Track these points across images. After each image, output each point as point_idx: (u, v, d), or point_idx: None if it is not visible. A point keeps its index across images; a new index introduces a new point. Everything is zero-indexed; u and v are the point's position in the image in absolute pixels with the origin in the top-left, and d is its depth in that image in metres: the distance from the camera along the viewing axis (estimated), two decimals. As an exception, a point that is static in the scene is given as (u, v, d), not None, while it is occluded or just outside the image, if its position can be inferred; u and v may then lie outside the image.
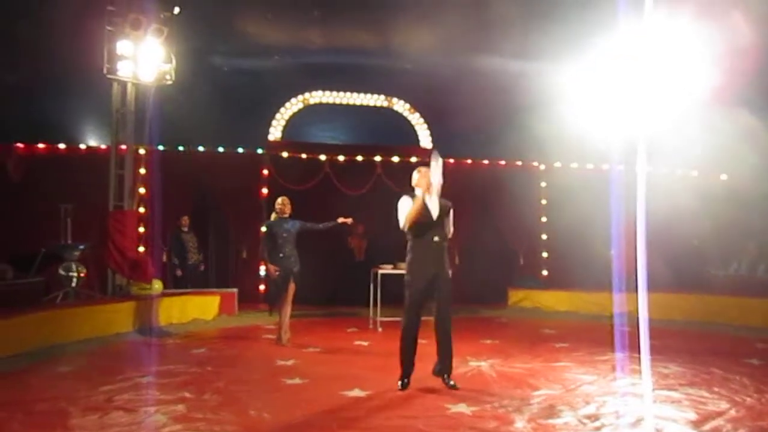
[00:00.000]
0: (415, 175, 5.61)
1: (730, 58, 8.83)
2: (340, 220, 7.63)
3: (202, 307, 9.50)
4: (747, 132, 9.91)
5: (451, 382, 5.34)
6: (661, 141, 9.52)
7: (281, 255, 7.33)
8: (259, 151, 11.98)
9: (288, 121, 12.22)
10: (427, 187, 5.44)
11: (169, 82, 9.48)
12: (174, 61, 9.44)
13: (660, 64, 8.74)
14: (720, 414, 4.57)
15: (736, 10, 8.22)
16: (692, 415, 4.53)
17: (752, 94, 9.14)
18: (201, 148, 11.72)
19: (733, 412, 4.62)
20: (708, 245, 11.51)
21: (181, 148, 11.58)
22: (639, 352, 6.21)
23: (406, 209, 5.50)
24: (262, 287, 11.31)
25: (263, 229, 7.69)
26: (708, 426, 4.27)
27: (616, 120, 9.79)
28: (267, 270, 7.60)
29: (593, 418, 4.45)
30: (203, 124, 11.20)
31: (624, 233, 10.22)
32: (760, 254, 11.03)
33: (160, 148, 10.91)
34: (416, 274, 5.54)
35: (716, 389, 5.35)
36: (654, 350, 6.40)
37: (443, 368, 5.46)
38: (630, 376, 5.86)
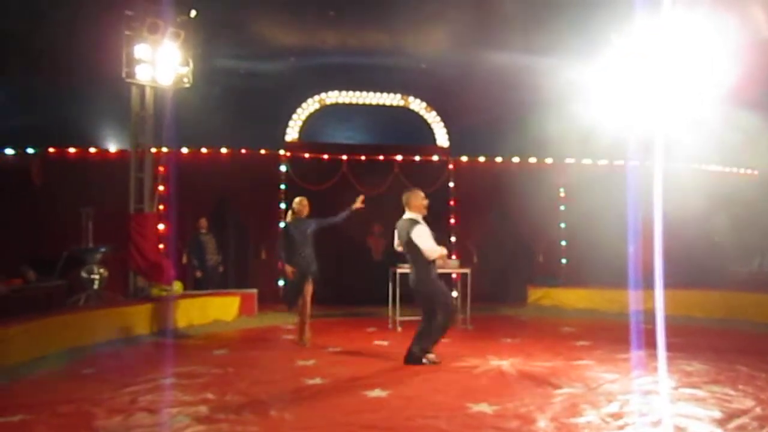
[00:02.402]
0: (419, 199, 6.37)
1: (750, 53, 8.71)
2: (355, 206, 7.72)
3: (222, 309, 9.56)
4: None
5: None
6: (679, 136, 9.46)
7: (299, 256, 7.35)
8: (277, 152, 12.03)
9: (305, 122, 12.28)
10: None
11: (187, 85, 9.56)
12: (191, 64, 9.52)
13: (678, 59, 8.65)
14: (745, 412, 4.51)
15: (754, 4, 8.10)
16: (717, 414, 4.48)
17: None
18: (219, 150, 11.80)
19: (758, 410, 4.56)
20: (728, 242, 11.37)
21: (201, 150, 11.67)
22: (663, 350, 6.20)
23: (432, 243, 6.24)
24: (281, 287, 11.38)
25: (283, 229, 7.68)
26: (733, 424, 4.22)
27: (633, 116, 9.73)
28: (285, 271, 7.59)
29: (616, 416, 4.42)
30: (221, 126, 11.29)
31: (642, 230, 10.18)
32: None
33: (179, 150, 11.00)
34: None
35: (741, 387, 5.28)
36: (676, 348, 6.41)
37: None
38: (652, 374, 5.81)
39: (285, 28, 11.30)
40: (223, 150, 11.80)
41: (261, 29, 11.22)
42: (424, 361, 6.26)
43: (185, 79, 9.50)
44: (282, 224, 7.76)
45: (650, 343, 6.92)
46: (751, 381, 5.49)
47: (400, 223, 6.45)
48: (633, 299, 9.27)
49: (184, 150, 11.48)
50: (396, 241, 6.59)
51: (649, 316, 8.17)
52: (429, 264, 6.26)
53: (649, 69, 8.87)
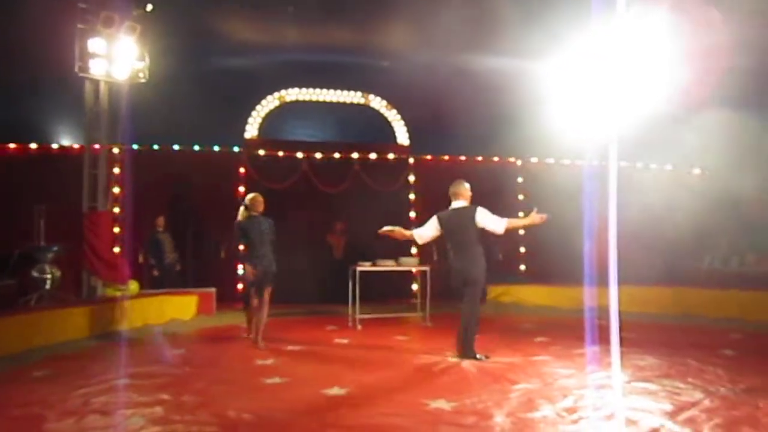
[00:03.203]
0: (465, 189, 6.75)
1: (704, 55, 8.96)
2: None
3: (179, 308, 9.43)
4: (720, 128, 10.08)
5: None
6: (636, 137, 9.67)
7: (256, 256, 7.21)
8: (236, 149, 11.91)
9: (264, 119, 12.18)
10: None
11: (143, 81, 9.38)
12: (148, 59, 9.34)
13: (634, 61, 8.84)
14: (694, 404, 4.64)
15: (708, 8, 8.34)
16: (668, 406, 4.59)
17: (726, 90, 9.27)
18: (177, 147, 11.61)
19: (707, 403, 4.69)
20: (683, 239, 11.69)
21: (156, 147, 11.46)
22: (617, 345, 6.33)
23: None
24: (240, 286, 11.26)
25: (239, 226, 7.35)
26: (682, 416, 4.33)
27: (592, 116, 9.91)
28: (246, 270, 7.40)
29: (571, 411, 4.49)
30: (179, 122, 11.13)
31: (598, 228, 10.38)
32: (732, 248, 11.23)
33: (135, 147, 10.78)
34: None
35: (691, 380, 5.43)
36: (631, 343, 6.54)
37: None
38: (606, 368, 5.93)
39: (244, 24, 11.17)
40: (181, 147, 11.61)
41: (220, 24, 11.08)
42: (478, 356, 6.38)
43: (141, 75, 9.32)
44: (237, 222, 7.39)
45: (605, 339, 7.08)
46: (700, 374, 5.65)
47: (450, 214, 6.68)
48: (588, 296, 9.45)
49: (141, 147, 11.25)
50: (425, 236, 6.79)
51: (605, 312, 8.39)
52: (482, 252, 6.54)
53: (604, 69, 9.04)
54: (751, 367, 5.91)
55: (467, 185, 6.76)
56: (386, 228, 6.82)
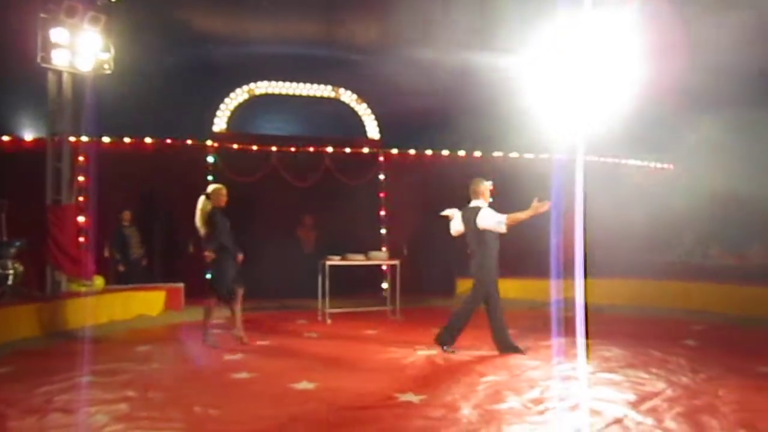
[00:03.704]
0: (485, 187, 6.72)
1: (673, 51, 9.13)
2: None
3: (146, 303, 9.30)
4: (688, 123, 10.28)
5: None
6: (607, 132, 9.80)
7: (233, 247, 7.08)
8: (205, 142, 11.76)
9: (233, 112, 12.05)
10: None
11: (108, 72, 9.20)
12: (113, 50, 9.16)
13: (604, 56, 8.95)
14: (657, 394, 4.74)
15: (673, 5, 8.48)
16: (631, 396, 4.69)
17: (696, 87, 9.44)
18: (143, 140, 11.43)
19: (669, 392, 4.80)
20: (649, 233, 11.90)
21: (122, 140, 11.27)
22: (582, 337, 6.44)
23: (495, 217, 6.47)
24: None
25: (221, 215, 7.02)
26: (645, 406, 4.42)
27: (563, 111, 10.01)
28: (239, 259, 7.05)
29: (537, 402, 4.56)
30: (146, 115, 10.95)
31: (564, 222, 10.51)
32: (696, 241, 11.47)
33: (101, 139, 10.59)
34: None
35: (654, 370, 5.55)
36: (597, 334, 6.64)
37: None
38: (572, 360, 6.02)
39: (213, 15, 11.03)
40: (148, 140, 11.44)
41: (188, 15, 10.92)
42: (518, 347, 6.41)
43: (106, 66, 9.14)
44: (211, 210, 7.04)
45: (571, 331, 7.19)
46: (663, 365, 5.78)
47: (465, 213, 6.70)
48: (555, 289, 9.58)
49: (107, 139, 11.07)
50: (453, 230, 6.84)
51: (572, 304, 8.50)
52: (493, 253, 6.51)
53: (571, 64, 9.15)
54: (712, 358, 6.06)
55: (486, 183, 6.76)
56: (447, 211, 6.88)
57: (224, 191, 7.18)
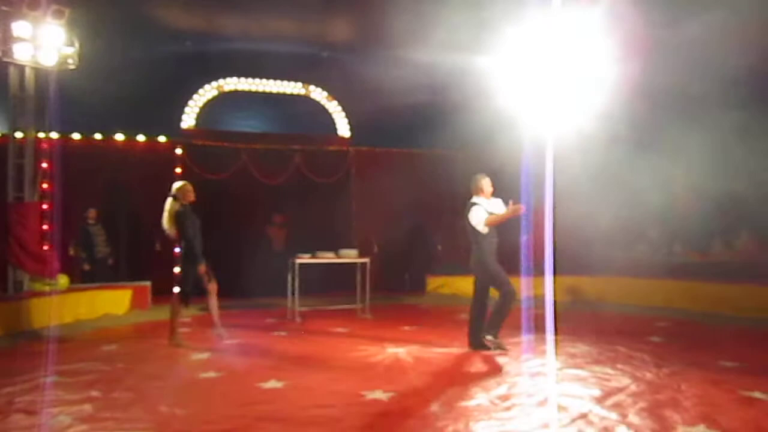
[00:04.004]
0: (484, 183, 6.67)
1: (638, 53, 9.28)
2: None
3: (112, 302, 9.15)
4: (654, 123, 10.44)
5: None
6: (573, 129, 9.93)
7: (201, 248, 6.98)
8: (173, 139, 11.61)
9: (202, 109, 11.92)
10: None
11: (72, 67, 9.02)
12: (77, 45, 8.98)
13: (567, 54, 9.07)
14: (621, 389, 4.82)
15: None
16: (597, 392, 4.75)
17: (661, 86, 9.60)
18: (110, 136, 11.24)
19: (633, 387, 4.88)
20: (614, 231, 12.07)
21: (88, 136, 11.07)
22: (550, 333, 6.53)
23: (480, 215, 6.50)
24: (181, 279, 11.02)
25: (188, 214, 6.91)
26: (610, 401, 4.49)
27: (529, 108, 10.12)
28: (200, 267, 6.86)
29: (505, 398, 4.59)
30: (112, 111, 10.78)
31: (535, 219, 10.62)
32: (660, 239, 11.66)
33: (65, 135, 10.39)
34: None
35: (620, 366, 5.64)
36: (564, 331, 6.73)
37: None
38: (540, 356, 6.10)
39: (182, 10, 10.87)
40: (115, 136, 11.27)
41: (155, 10, 10.74)
42: (489, 345, 6.40)
43: (70, 60, 8.95)
44: (180, 209, 6.95)
45: (540, 328, 7.28)
46: (628, 360, 5.87)
47: (464, 208, 6.73)
48: (525, 286, 9.68)
49: (73, 136, 10.87)
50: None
51: (541, 301, 8.60)
52: (488, 247, 6.51)
53: (540, 63, 9.25)
54: (675, 353, 6.18)
55: (484, 180, 6.75)
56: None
57: (190, 187, 7.08)
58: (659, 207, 11.00)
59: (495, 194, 11.09)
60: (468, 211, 6.60)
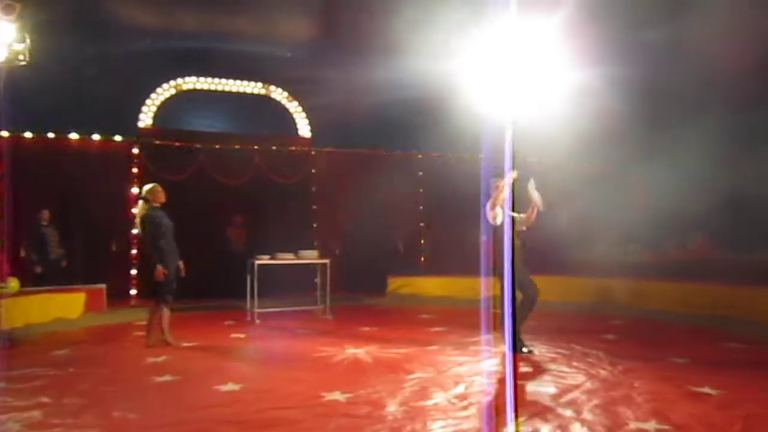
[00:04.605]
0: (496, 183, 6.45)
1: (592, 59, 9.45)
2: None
3: (65, 306, 8.91)
4: (608, 124, 10.64)
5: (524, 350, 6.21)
6: (531, 132, 10.05)
7: (174, 252, 6.85)
8: (129, 138, 11.39)
9: (160, 108, 11.71)
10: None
11: (24, 63, 8.74)
12: (28, 41, 8.71)
13: (528, 58, 9.20)
14: (577, 387, 4.91)
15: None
16: (552, 389, 4.83)
17: (617, 88, 9.79)
18: (64, 135, 10.97)
19: (588, 385, 4.98)
20: (572, 231, 12.28)
21: (40, 135, 10.79)
22: (509, 333, 6.59)
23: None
24: (134, 282, 10.83)
25: (153, 219, 6.76)
26: (565, 399, 4.56)
27: (491, 110, 10.22)
28: (157, 272, 6.69)
29: (462, 398, 4.62)
30: (66, 109, 10.52)
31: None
32: (616, 239, 11.91)
33: (16, 134, 10.10)
34: None
35: (575, 364, 5.75)
36: (523, 330, 6.78)
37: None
38: (498, 356, 6.17)
39: (140, 7, 10.66)
40: (69, 135, 10.99)
41: (112, 6, 10.50)
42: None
43: (21, 57, 8.68)
44: (148, 213, 6.79)
45: (499, 327, 7.36)
46: (583, 358, 5.98)
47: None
48: (484, 286, 9.77)
49: (25, 134, 10.59)
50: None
51: (499, 301, 8.70)
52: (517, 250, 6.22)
53: (502, 66, 9.37)
54: (629, 351, 6.32)
55: (500, 180, 6.55)
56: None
57: (160, 188, 6.98)
58: (616, 208, 11.24)
59: (454, 194, 11.20)
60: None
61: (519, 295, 6.38)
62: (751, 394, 4.62)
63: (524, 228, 6.49)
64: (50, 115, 10.60)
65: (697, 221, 10.58)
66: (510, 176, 6.51)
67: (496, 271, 6.44)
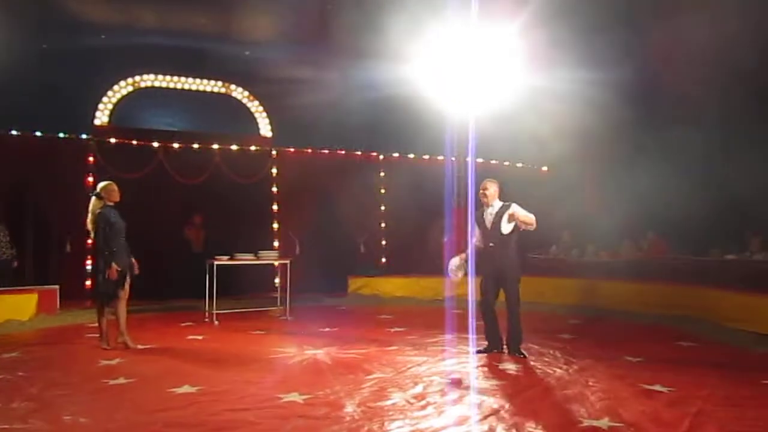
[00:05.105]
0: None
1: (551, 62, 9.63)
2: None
3: (15, 307, 8.64)
4: (564, 127, 10.83)
5: (521, 354, 6.16)
6: (491, 135, 10.19)
7: (124, 250, 6.72)
8: (84, 136, 11.12)
9: (116, 106, 11.47)
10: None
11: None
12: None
13: (488, 62, 9.33)
14: (533, 386, 4.98)
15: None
16: (509, 388, 4.89)
17: (569, 90, 9.96)
18: (16, 132, 10.65)
19: (544, 383, 5.06)
20: (528, 231, 12.44)
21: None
22: (466, 333, 6.67)
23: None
24: (89, 283, 10.57)
25: (107, 217, 6.64)
26: (521, 397, 4.62)
27: (450, 114, 10.32)
28: (110, 270, 6.56)
29: (420, 397, 4.64)
30: (21, 106, 10.22)
31: (456, 221, 10.83)
32: (573, 240, 12.11)
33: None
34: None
35: (532, 363, 5.84)
36: (482, 330, 6.86)
37: (512, 348, 6.26)
38: (457, 356, 6.22)
39: (96, 3, 10.42)
40: (21, 133, 10.68)
41: (69, 1, 10.24)
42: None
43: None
44: (100, 212, 6.68)
45: (459, 327, 7.43)
46: (540, 357, 6.09)
47: (491, 212, 6.40)
48: (448, 286, 9.85)
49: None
50: (478, 239, 6.49)
51: (461, 302, 8.78)
52: (517, 248, 6.44)
53: (462, 71, 9.47)
54: (584, 350, 6.44)
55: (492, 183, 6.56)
56: None
57: (115, 187, 6.84)
58: (572, 209, 11.45)
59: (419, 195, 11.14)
60: (509, 211, 6.36)
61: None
62: (701, 392, 4.75)
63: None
64: (2, 111, 10.29)
65: (650, 221, 10.83)
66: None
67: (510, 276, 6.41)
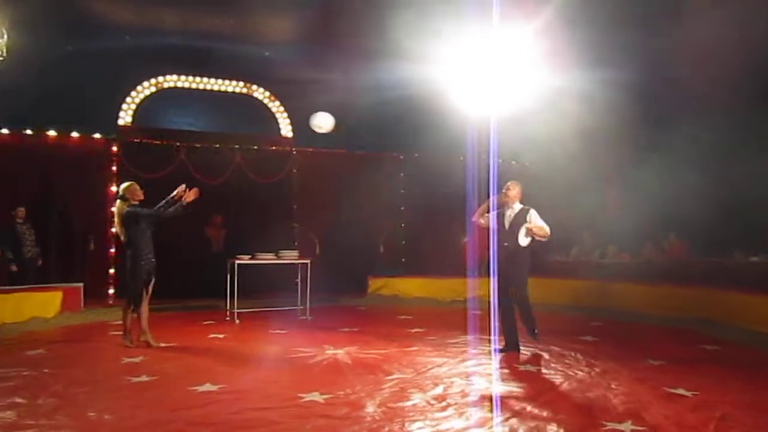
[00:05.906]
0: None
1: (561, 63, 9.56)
2: (186, 199, 6.83)
3: (41, 305, 8.78)
4: (582, 127, 10.74)
5: (534, 336, 6.63)
6: (508, 135, 10.14)
7: (150, 249, 6.79)
8: (108, 136, 11.26)
9: (139, 106, 11.59)
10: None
11: (1, 59, 8.62)
12: (6, 36, 8.59)
13: (504, 66, 9.29)
14: (554, 388, 4.95)
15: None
16: (530, 390, 4.85)
17: (588, 90, 9.88)
18: (42, 132, 10.82)
19: (566, 386, 5.02)
20: (552, 233, 12.35)
21: (19, 131, 10.63)
22: (487, 334, 6.65)
23: None
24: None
25: (135, 213, 6.71)
26: (542, 399, 4.59)
27: (471, 114, 10.28)
28: (139, 267, 6.68)
29: (440, 398, 4.63)
30: (46, 106, 10.40)
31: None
32: (594, 241, 12.00)
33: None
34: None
35: (553, 365, 5.80)
36: (502, 331, 6.83)
37: (527, 330, 6.61)
38: (477, 357, 6.19)
39: (120, 4, 10.54)
40: (47, 132, 10.84)
41: (93, 3, 10.37)
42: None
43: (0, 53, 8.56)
44: (129, 208, 6.75)
45: (479, 328, 7.41)
46: (561, 359, 6.03)
47: (510, 213, 6.56)
48: (469, 287, 9.83)
49: (2, 131, 10.45)
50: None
51: (481, 302, 8.75)
52: (529, 252, 6.53)
53: (483, 73, 9.44)
54: (607, 352, 6.38)
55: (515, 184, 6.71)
56: None
57: (137, 186, 6.96)
58: (592, 210, 11.35)
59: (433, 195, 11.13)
60: (529, 216, 6.50)
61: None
62: (725, 396, 4.68)
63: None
64: (28, 111, 10.46)
65: (673, 224, 10.70)
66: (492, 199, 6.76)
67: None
